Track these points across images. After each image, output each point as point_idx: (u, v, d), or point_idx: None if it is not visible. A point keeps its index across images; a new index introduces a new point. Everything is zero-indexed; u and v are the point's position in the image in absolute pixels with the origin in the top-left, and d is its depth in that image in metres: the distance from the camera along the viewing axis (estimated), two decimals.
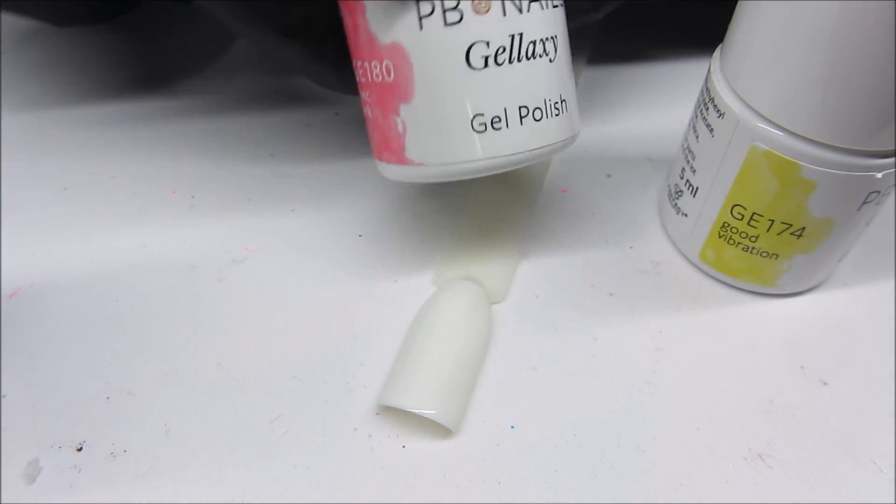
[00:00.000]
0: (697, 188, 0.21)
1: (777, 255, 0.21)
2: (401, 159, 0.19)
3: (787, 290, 0.22)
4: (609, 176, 0.26)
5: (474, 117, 0.18)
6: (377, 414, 0.19)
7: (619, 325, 0.21)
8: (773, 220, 0.20)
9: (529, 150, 0.19)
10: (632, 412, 0.19)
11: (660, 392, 0.20)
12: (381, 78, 0.18)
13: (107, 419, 0.18)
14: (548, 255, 0.23)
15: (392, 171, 0.19)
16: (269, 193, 0.24)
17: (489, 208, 0.23)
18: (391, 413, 0.19)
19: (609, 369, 0.20)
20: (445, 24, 0.17)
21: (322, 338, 0.20)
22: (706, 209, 0.21)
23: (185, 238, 0.22)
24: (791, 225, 0.20)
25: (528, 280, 0.22)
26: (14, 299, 0.20)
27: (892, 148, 0.18)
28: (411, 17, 0.17)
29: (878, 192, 0.19)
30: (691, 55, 0.31)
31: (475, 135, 0.18)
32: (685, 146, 0.22)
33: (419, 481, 0.18)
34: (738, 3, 0.19)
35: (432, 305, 0.20)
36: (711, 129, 0.20)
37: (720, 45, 0.20)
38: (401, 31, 0.17)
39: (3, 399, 0.18)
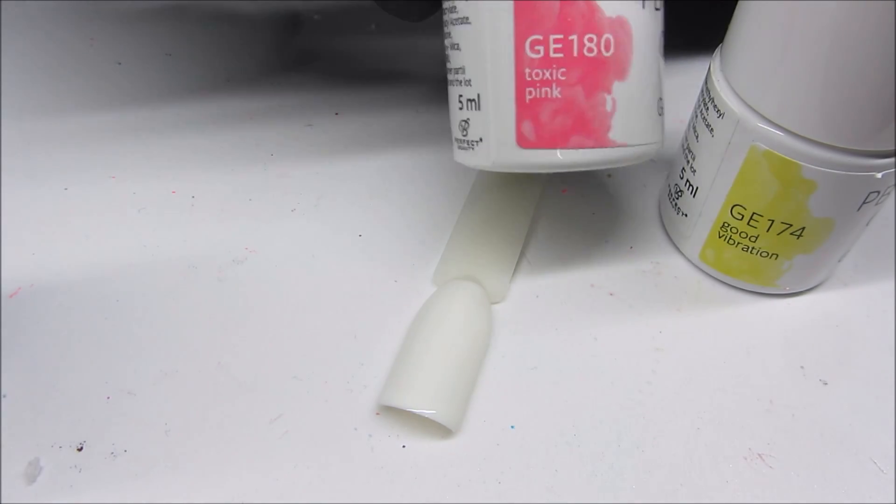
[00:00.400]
0: (697, 188, 0.21)
1: (777, 255, 0.21)
2: (601, 141, 0.18)
3: (787, 290, 0.22)
4: (609, 176, 0.26)
5: (659, 100, 0.19)
6: (377, 414, 0.19)
7: (619, 325, 0.21)
8: (773, 220, 0.20)
9: (661, 141, 0.20)
10: (632, 412, 0.19)
11: (660, 392, 0.20)
12: (595, 52, 0.18)
13: (107, 419, 0.18)
14: (548, 255, 0.23)
15: (580, 157, 0.18)
16: (269, 193, 0.24)
17: (489, 208, 0.23)
18: (391, 413, 0.19)
19: (609, 369, 0.20)
20: (655, 8, 0.18)
21: (322, 338, 0.20)
22: (706, 209, 0.21)
23: (185, 238, 0.22)
24: (791, 225, 0.20)
25: (528, 280, 0.22)
26: (14, 299, 0.20)
27: (892, 148, 0.18)
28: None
29: (878, 192, 0.19)
30: (691, 55, 0.31)
31: (658, 118, 0.19)
32: (685, 146, 0.22)
33: (419, 481, 0.18)
34: (738, 3, 0.19)
35: (432, 305, 0.20)
36: (711, 129, 0.20)
37: (720, 45, 0.20)
38: (627, 6, 0.18)
39: (3, 399, 0.18)
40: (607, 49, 0.18)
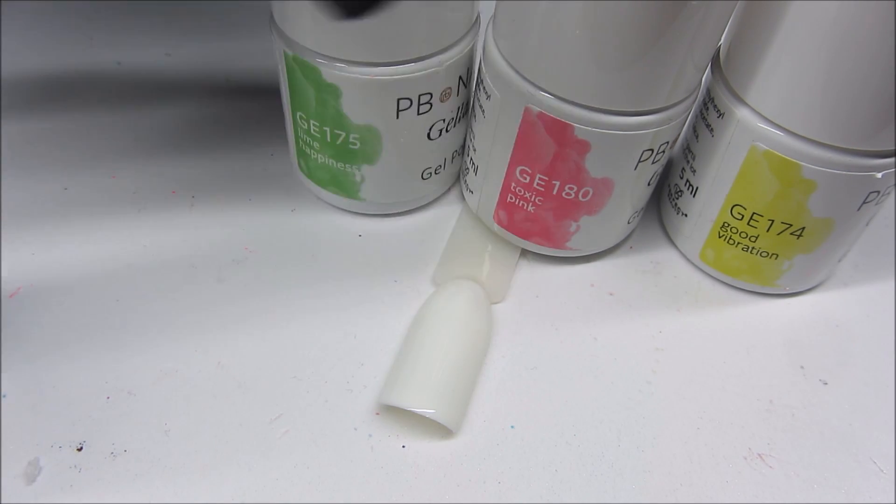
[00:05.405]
0: (697, 188, 0.21)
1: (777, 255, 0.21)
2: (558, 246, 0.22)
3: (788, 290, 0.22)
4: None
5: (634, 213, 0.22)
6: (377, 414, 0.19)
7: (619, 325, 0.21)
8: (773, 220, 0.20)
9: (621, 239, 0.23)
10: (632, 412, 0.19)
11: (660, 392, 0.20)
12: (573, 196, 0.20)
13: (107, 419, 0.18)
14: (548, 254, 0.23)
15: (538, 250, 0.22)
16: (269, 193, 0.24)
17: None
18: (391, 413, 0.19)
19: (609, 369, 0.20)
20: (652, 162, 0.20)
21: (322, 338, 0.20)
22: (706, 209, 0.21)
23: (185, 238, 0.22)
24: (791, 225, 0.20)
25: (528, 280, 0.22)
26: (14, 299, 0.20)
27: (892, 148, 0.18)
28: (632, 162, 0.19)
29: (878, 192, 0.19)
30: None
31: (625, 226, 0.22)
32: (685, 146, 0.22)
33: (419, 481, 0.18)
34: (739, 3, 0.19)
35: (432, 305, 0.20)
36: (711, 129, 0.20)
37: (720, 46, 0.20)
38: (617, 170, 0.19)
39: (3, 399, 0.18)
40: (584, 196, 0.20)
